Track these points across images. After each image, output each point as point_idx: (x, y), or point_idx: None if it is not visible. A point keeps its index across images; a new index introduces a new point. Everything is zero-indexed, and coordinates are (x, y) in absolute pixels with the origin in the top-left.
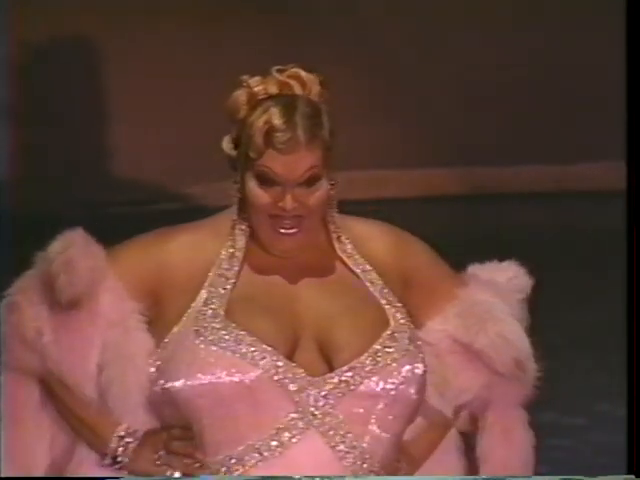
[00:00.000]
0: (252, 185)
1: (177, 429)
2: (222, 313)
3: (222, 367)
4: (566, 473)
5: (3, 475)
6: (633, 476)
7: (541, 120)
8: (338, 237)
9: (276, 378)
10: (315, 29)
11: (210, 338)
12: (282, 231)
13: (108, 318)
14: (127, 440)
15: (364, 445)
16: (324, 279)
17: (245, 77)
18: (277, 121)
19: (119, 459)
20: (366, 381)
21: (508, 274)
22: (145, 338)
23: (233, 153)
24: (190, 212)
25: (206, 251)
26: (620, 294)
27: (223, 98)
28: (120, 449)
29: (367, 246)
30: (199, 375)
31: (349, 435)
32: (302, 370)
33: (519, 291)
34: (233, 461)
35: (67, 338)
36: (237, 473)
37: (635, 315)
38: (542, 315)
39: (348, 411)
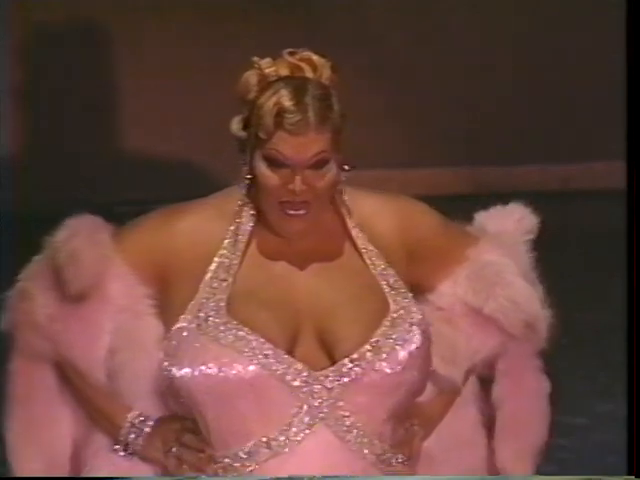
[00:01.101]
0: (261, 166)
1: (189, 421)
2: (223, 306)
3: (223, 363)
4: (566, 473)
5: (20, 459)
6: (633, 476)
7: (542, 120)
8: (348, 215)
9: (278, 374)
10: (318, 28)
11: (211, 333)
12: (290, 212)
13: (118, 304)
14: (139, 426)
15: (372, 432)
16: (331, 264)
17: (256, 58)
18: (287, 102)
19: (130, 445)
20: (369, 371)
21: (515, 217)
22: (155, 324)
23: (241, 134)
24: None
25: (211, 234)
26: (621, 294)
27: (229, 98)
28: (132, 435)
29: (372, 222)
30: (201, 370)
31: (358, 425)
32: (303, 365)
33: (527, 233)
34: (244, 457)
35: (78, 324)
36: (249, 469)
37: (636, 315)
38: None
39: (353, 402)
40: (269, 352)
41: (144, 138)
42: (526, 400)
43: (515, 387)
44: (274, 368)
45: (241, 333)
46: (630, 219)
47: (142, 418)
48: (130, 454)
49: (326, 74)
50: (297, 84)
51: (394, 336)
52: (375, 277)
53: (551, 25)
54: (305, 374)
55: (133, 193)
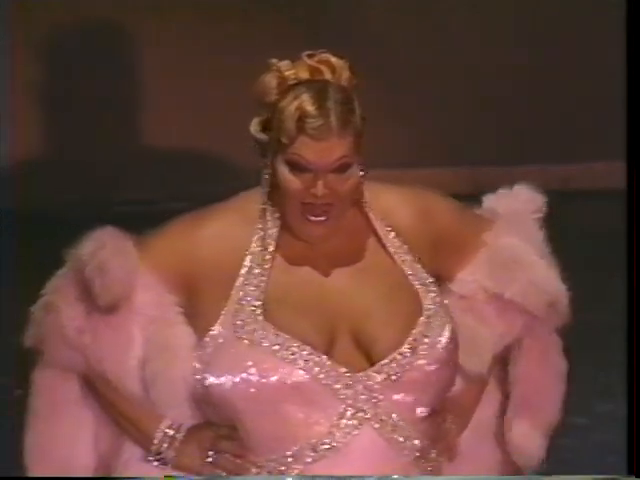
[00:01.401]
0: (283, 171)
1: (224, 428)
2: (259, 312)
3: (265, 369)
4: (567, 473)
5: (37, 474)
6: (633, 476)
7: (542, 120)
8: (371, 211)
9: (320, 377)
10: (325, 28)
11: (250, 339)
12: (312, 219)
13: (147, 314)
14: (172, 435)
15: (413, 429)
16: (356, 266)
17: (274, 61)
18: (309, 107)
19: (163, 454)
20: (409, 370)
21: (522, 197)
22: (187, 331)
23: (260, 136)
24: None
25: (237, 240)
26: (621, 294)
27: (238, 98)
28: (165, 444)
29: (394, 216)
30: (242, 377)
31: (400, 423)
32: (343, 367)
33: (536, 212)
34: (290, 460)
35: (107, 336)
36: (296, 472)
37: (636, 315)
38: None
39: (394, 401)
40: (310, 356)
41: (156, 137)
42: (545, 377)
43: (535, 364)
44: (316, 372)
45: (280, 338)
46: (630, 219)
47: (174, 427)
48: (163, 463)
49: (345, 75)
50: (318, 88)
51: (430, 333)
52: (404, 273)
53: (551, 25)
54: (347, 376)
55: (139, 193)
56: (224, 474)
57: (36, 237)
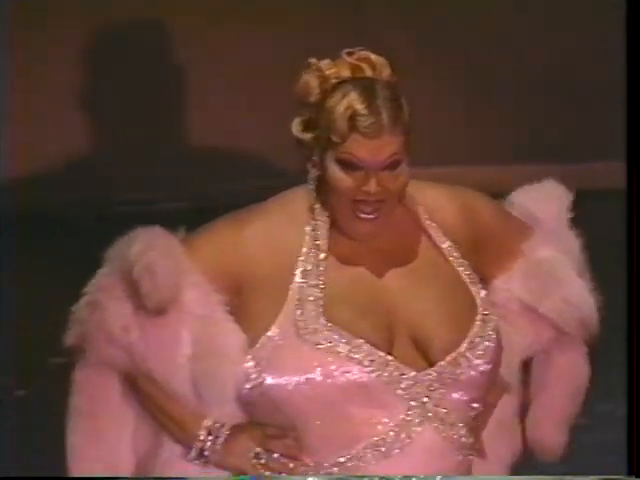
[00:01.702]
0: (335, 169)
1: (273, 428)
2: (321, 312)
3: (330, 369)
4: (567, 473)
5: (79, 474)
6: (633, 476)
7: (541, 119)
8: (419, 209)
9: (384, 377)
10: (359, 26)
11: (313, 340)
12: (362, 216)
13: (194, 312)
14: (215, 433)
15: (468, 428)
16: (410, 266)
17: (314, 60)
18: (359, 105)
19: (206, 453)
20: (467, 369)
21: (554, 195)
22: (236, 331)
23: (303, 136)
24: (197, 212)
25: (284, 239)
26: (621, 294)
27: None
28: (208, 443)
29: (440, 214)
30: (307, 378)
31: (459, 424)
32: (406, 367)
33: (568, 211)
34: (353, 460)
35: (154, 334)
36: (360, 472)
37: (636, 315)
38: None
39: (453, 400)
40: (374, 356)
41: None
42: (569, 387)
43: (560, 374)
44: (380, 371)
45: (344, 338)
46: (630, 219)
47: (218, 425)
48: (205, 462)
49: (386, 72)
50: (365, 86)
51: (485, 334)
52: (457, 271)
53: (551, 25)
54: (410, 376)
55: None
56: (269, 474)
57: (36, 237)
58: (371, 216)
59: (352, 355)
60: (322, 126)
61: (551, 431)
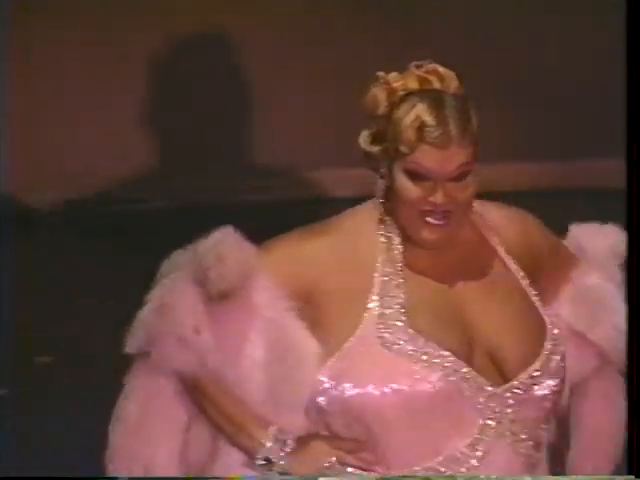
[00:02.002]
0: (402, 179)
1: (349, 442)
2: (405, 321)
3: (415, 379)
4: (567, 473)
5: (115, 472)
6: (633, 476)
7: (541, 118)
8: (487, 228)
9: (466, 389)
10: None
11: (397, 350)
12: (430, 221)
13: (265, 315)
14: (282, 441)
15: (537, 444)
16: (483, 282)
17: (381, 73)
18: (427, 117)
19: (273, 460)
20: (540, 386)
21: (610, 239)
22: (310, 337)
23: (371, 148)
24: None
25: (359, 253)
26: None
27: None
28: (276, 450)
29: (504, 235)
30: (392, 387)
31: (529, 442)
32: (486, 380)
33: (620, 256)
34: (431, 472)
35: (224, 335)
36: None
37: (636, 315)
38: None
39: (526, 416)
40: (458, 368)
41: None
42: (608, 421)
43: (598, 406)
44: (463, 384)
45: (429, 349)
46: (630, 219)
47: (284, 433)
48: (269, 469)
49: (454, 85)
50: (433, 97)
51: (556, 353)
52: (525, 291)
53: (550, 22)
54: (489, 390)
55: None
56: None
57: (36, 237)
58: (440, 222)
59: (438, 366)
60: (390, 138)
61: (592, 468)
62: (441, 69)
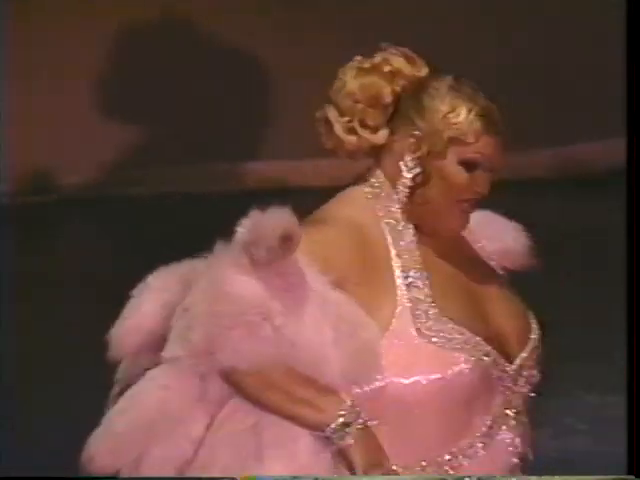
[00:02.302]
0: (455, 168)
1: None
2: (437, 311)
3: (453, 364)
4: (567, 473)
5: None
6: (633, 476)
7: (541, 112)
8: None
9: (495, 376)
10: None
11: (433, 337)
12: (467, 209)
13: (318, 289)
14: (359, 413)
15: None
16: (477, 268)
17: (359, 58)
18: (481, 106)
19: (340, 434)
20: (532, 371)
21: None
22: (367, 316)
23: (391, 140)
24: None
25: (370, 245)
26: (621, 292)
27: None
28: (347, 421)
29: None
30: (435, 375)
31: (521, 426)
32: (509, 364)
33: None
34: (457, 456)
35: (296, 318)
36: (452, 471)
37: (635, 315)
38: (544, 313)
39: (525, 400)
40: (488, 352)
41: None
42: None
43: None
44: (493, 371)
45: (463, 336)
46: (630, 218)
47: (357, 408)
48: (334, 443)
49: (425, 70)
50: (459, 84)
51: (537, 338)
52: (512, 292)
53: (551, 9)
54: (510, 374)
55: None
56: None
57: (36, 236)
58: (471, 211)
59: (472, 350)
60: (423, 127)
61: None
62: (408, 52)
